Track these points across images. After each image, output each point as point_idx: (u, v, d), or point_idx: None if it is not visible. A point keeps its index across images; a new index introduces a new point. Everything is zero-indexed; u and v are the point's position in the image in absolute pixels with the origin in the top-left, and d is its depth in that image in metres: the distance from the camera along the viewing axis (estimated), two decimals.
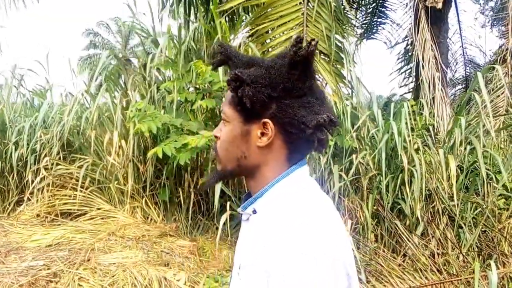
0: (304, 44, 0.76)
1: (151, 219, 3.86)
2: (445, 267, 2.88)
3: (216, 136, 0.85)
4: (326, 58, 3.62)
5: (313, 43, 0.74)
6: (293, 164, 0.80)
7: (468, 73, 8.62)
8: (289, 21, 3.57)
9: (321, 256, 0.66)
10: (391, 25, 8.50)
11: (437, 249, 3.06)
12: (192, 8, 5.51)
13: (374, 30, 8.74)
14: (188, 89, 3.97)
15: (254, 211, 0.79)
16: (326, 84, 3.60)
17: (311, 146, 0.78)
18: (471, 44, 8.37)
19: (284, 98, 0.75)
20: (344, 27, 3.83)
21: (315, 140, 0.76)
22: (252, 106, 0.75)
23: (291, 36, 3.48)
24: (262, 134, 0.77)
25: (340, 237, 0.72)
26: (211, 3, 4.24)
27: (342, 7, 3.85)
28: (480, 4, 10.79)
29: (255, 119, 0.77)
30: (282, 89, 0.75)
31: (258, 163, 0.79)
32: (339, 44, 3.78)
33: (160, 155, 3.25)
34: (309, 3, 3.55)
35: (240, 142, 0.79)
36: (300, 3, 3.57)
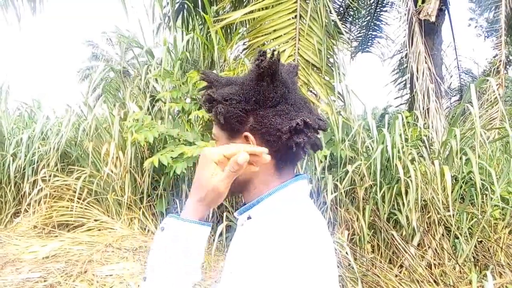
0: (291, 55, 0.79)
1: (148, 230, 3.85)
2: (441, 278, 2.89)
3: None
4: (317, 71, 3.67)
5: (275, 53, 0.77)
6: (284, 173, 0.82)
7: (462, 85, 8.72)
8: (283, 34, 3.63)
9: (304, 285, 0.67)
10: (385, 39, 8.64)
11: (434, 259, 3.06)
12: (190, 20, 5.59)
13: (369, 43, 8.87)
14: (185, 99, 4.01)
15: (249, 218, 0.81)
16: (319, 98, 3.65)
17: (293, 151, 0.79)
18: (465, 57, 8.53)
19: (258, 110, 0.79)
20: (335, 41, 3.89)
21: (293, 144, 0.77)
22: (226, 122, 0.79)
23: (285, 50, 3.54)
24: None
25: (327, 266, 0.73)
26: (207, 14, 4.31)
27: (333, 22, 3.91)
28: (475, 15, 10.96)
29: (238, 134, 0.81)
30: (255, 102, 0.78)
31: (249, 177, 0.82)
32: (330, 58, 3.84)
33: (157, 164, 3.27)
34: (301, 18, 3.62)
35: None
36: (293, 18, 3.63)
